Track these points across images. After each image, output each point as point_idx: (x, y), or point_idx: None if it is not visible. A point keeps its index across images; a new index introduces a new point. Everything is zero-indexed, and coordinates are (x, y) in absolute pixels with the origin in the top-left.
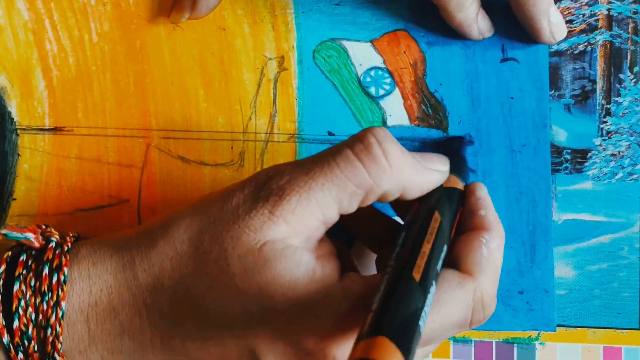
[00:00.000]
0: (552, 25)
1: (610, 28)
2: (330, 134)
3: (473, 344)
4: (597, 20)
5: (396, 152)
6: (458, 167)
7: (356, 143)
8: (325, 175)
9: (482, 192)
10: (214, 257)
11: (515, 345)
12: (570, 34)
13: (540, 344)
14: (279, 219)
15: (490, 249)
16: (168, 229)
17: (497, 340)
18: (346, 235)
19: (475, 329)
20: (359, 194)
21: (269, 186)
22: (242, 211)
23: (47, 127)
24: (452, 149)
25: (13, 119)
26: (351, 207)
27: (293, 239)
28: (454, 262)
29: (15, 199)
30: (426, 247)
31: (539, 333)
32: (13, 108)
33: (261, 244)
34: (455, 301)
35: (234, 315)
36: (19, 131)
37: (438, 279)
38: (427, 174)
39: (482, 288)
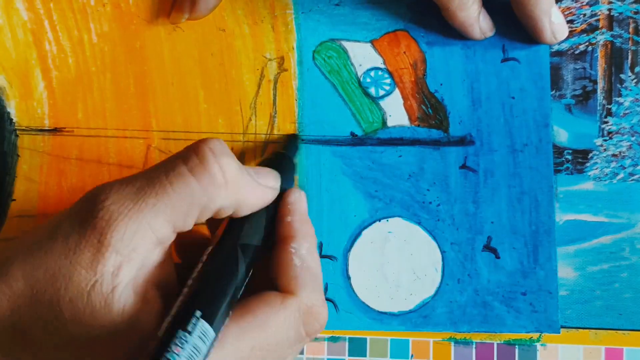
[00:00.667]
0: (554, 25)
1: (611, 28)
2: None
3: (474, 346)
4: (598, 20)
5: (232, 167)
6: (284, 174)
7: (191, 157)
8: (156, 194)
9: (292, 197)
10: (48, 298)
11: (516, 346)
12: (571, 34)
13: (542, 345)
14: (109, 249)
15: (302, 256)
16: (4, 267)
17: (499, 342)
18: None
19: (476, 331)
20: (194, 212)
21: (95, 209)
22: (72, 242)
23: (46, 128)
24: (282, 150)
25: (12, 119)
26: (187, 225)
27: (125, 271)
28: (273, 283)
29: (14, 200)
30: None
31: (540, 334)
32: (12, 108)
33: (91, 286)
34: (281, 322)
35: None
36: (18, 132)
37: (261, 303)
38: (261, 191)
39: (306, 301)
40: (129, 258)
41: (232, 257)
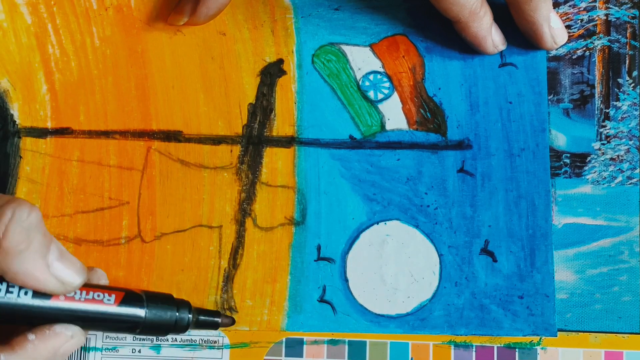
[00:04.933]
0: (553, 30)
1: (608, 33)
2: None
3: (474, 349)
4: (595, 25)
5: (17, 237)
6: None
7: None
8: None
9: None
10: None
11: (516, 350)
12: (568, 39)
13: (542, 348)
14: None
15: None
16: None
17: (499, 345)
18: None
19: (474, 334)
20: None
21: None
22: None
23: (49, 130)
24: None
25: (15, 121)
26: None
27: None
28: None
29: None
30: None
31: (540, 338)
32: (15, 111)
33: None
34: None
35: None
36: (21, 133)
37: None
38: (43, 271)
39: None
40: None
41: None
